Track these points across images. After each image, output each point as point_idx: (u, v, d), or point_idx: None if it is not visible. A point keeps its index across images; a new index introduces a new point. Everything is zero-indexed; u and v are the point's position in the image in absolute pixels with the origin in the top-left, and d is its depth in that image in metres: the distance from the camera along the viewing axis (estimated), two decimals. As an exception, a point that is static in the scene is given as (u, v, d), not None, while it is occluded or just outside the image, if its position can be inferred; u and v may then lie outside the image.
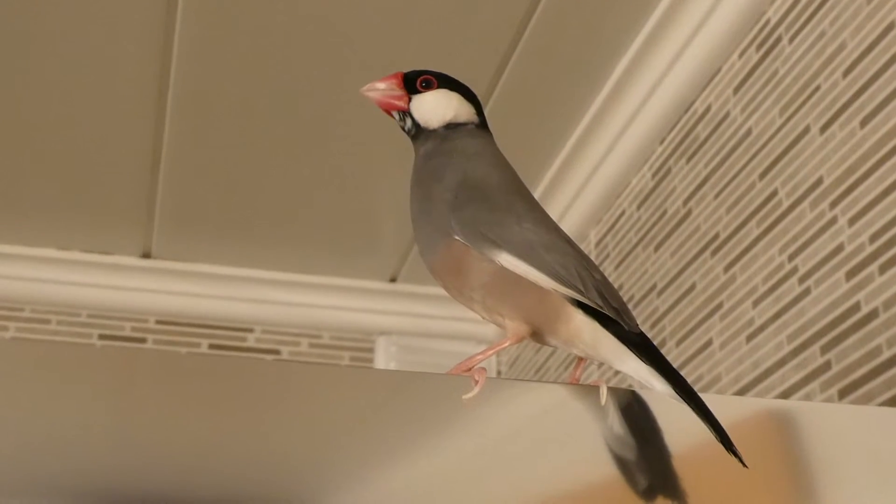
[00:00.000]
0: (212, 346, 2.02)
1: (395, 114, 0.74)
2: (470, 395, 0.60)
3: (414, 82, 0.74)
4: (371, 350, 2.08)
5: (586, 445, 0.60)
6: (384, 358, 2.06)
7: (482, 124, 0.75)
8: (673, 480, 0.60)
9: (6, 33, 1.44)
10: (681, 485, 0.60)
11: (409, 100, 0.74)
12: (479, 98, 0.77)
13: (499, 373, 2.06)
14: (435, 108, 0.73)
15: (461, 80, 0.76)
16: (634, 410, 0.62)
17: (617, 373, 1.48)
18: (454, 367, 0.62)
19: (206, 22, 1.43)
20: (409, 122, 0.74)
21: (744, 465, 0.59)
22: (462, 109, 0.74)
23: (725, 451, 0.59)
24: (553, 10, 1.41)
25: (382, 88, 0.73)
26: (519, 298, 0.63)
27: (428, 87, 0.74)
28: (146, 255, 1.98)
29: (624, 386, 0.65)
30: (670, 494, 0.60)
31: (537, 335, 0.64)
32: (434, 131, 0.73)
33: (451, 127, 0.73)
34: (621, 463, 0.60)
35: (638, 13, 1.42)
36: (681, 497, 0.60)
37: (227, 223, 1.88)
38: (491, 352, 0.63)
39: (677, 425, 0.62)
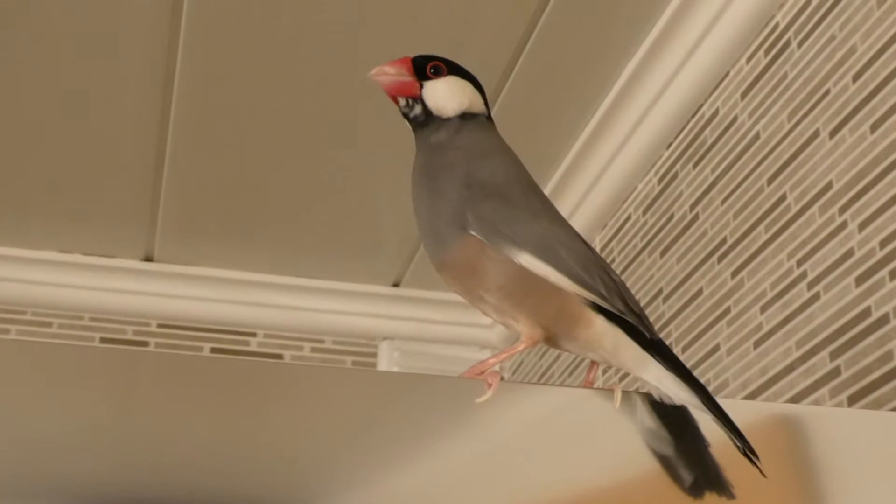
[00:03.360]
0: (214, 350, 2.01)
1: (401, 100, 0.70)
2: (483, 398, 0.59)
3: (423, 68, 0.70)
4: (374, 355, 2.07)
5: (601, 448, 0.60)
6: (387, 363, 2.05)
7: (490, 117, 0.72)
8: (715, 472, 0.60)
9: (10, 36, 1.44)
10: (725, 476, 0.60)
11: (421, 86, 0.70)
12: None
13: (502, 378, 2.05)
14: (450, 95, 0.70)
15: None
16: (661, 406, 0.61)
17: (625, 375, 1.47)
18: (467, 371, 0.61)
19: (210, 26, 1.42)
20: (418, 110, 0.70)
21: (763, 474, 0.58)
22: (475, 99, 0.71)
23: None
24: (559, 13, 1.41)
25: (392, 73, 0.69)
26: (538, 301, 0.61)
27: (437, 73, 0.70)
28: (148, 259, 1.98)
29: (634, 389, 0.64)
30: (715, 488, 0.59)
31: (552, 339, 0.63)
32: (447, 120, 0.69)
33: (466, 117, 0.70)
34: (661, 459, 0.59)
35: (645, 16, 1.42)
36: (726, 490, 0.59)
37: (230, 227, 1.87)
38: (504, 356, 0.62)
39: (703, 421, 0.61)
